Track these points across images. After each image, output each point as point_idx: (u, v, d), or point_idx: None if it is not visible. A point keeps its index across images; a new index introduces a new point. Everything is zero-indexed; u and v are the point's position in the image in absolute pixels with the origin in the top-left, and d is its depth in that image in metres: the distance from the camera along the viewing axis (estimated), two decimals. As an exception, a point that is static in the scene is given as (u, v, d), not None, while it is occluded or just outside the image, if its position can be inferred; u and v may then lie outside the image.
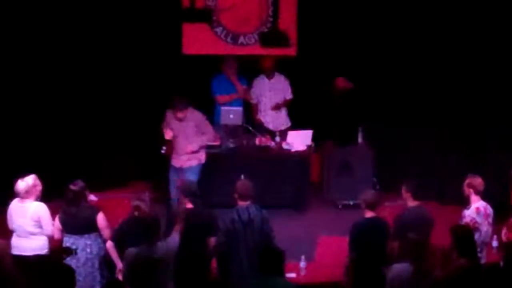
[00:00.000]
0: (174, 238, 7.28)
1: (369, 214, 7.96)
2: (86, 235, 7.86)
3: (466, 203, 8.21)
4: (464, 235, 7.23)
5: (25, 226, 7.99)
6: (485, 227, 8.12)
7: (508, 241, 8.17)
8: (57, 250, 7.43)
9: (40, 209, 8.00)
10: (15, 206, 8.07)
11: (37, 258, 8.00)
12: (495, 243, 8.83)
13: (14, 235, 8.11)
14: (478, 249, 7.99)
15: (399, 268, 6.96)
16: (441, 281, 6.88)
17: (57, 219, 7.99)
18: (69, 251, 7.47)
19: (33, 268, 7.88)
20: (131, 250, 7.08)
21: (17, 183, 8.03)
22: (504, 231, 8.40)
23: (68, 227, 7.91)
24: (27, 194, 7.99)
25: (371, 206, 7.95)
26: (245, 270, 7.63)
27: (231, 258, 7.77)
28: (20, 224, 8.01)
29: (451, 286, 6.83)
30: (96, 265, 7.73)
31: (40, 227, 7.99)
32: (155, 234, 7.12)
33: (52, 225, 8.00)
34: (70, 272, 6.49)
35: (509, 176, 8.95)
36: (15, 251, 8.07)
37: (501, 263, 7.66)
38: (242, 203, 7.85)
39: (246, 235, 7.70)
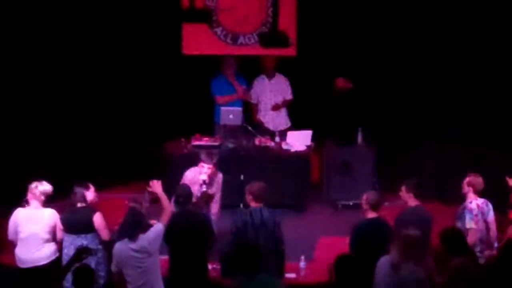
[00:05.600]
0: (157, 226, 7.32)
1: (371, 214, 7.95)
2: (83, 235, 7.85)
3: (463, 199, 8.27)
4: (454, 235, 7.26)
5: (40, 233, 7.93)
6: (480, 224, 8.14)
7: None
8: (77, 250, 7.45)
9: (55, 215, 7.98)
10: (25, 214, 7.97)
11: (51, 264, 7.96)
12: (495, 244, 8.81)
13: (21, 246, 7.98)
14: (478, 248, 8.03)
15: (384, 260, 7.01)
16: (442, 284, 6.91)
17: (59, 219, 7.99)
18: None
19: (49, 275, 7.86)
20: (117, 244, 7.28)
21: (41, 185, 7.95)
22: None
23: (68, 227, 7.92)
24: (42, 197, 7.95)
25: (374, 207, 7.94)
26: None
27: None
28: (34, 232, 7.91)
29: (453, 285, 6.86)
30: (93, 265, 7.72)
31: (53, 233, 7.96)
32: (138, 229, 7.21)
33: (60, 229, 7.99)
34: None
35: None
36: (25, 265, 7.97)
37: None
38: (255, 205, 7.81)
39: (257, 238, 7.64)
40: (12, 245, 8.12)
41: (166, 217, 7.50)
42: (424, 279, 6.93)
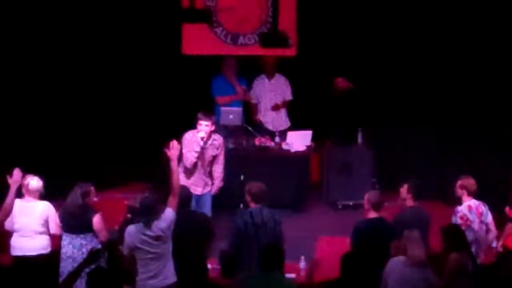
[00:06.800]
0: (168, 213, 7.32)
1: (372, 214, 7.94)
2: (82, 235, 7.87)
3: (459, 203, 8.28)
4: (454, 231, 7.29)
5: (32, 225, 7.98)
6: (477, 225, 8.15)
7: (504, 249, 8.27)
8: (90, 253, 7.46)
9: (48, 208, 8.03)
10: (19, 205, 8.00)
11: (41, 257, 8.01)
12: (494, 244, 8.83)
13: (16, 235, 8.07)
14: (473, 249, 8.04)
15: (394, 261, 7.01)
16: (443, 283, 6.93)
17: (56, 216, 8.01)
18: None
19: (37, 267, 7.93)
20: (131, 227, 7.27)
21: (32, 180, 8.00)
22: (500, 242, 8.48)
23: (66, 226, 7.93)
24: (35, 193, 8.01)
25: (376, 207, 7.93)
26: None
27: (241, 260, 7.73)
28: (26, 223, 7.99)
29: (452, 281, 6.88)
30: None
31: (46, 226, 8.01)
32: (152, 214, 7.23)
33: (57, 224, 8.01)
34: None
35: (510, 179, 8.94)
36: (17, 252, 8.06)
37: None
38: (255, 205, 7.83)
39: (259, 238, 7.65)
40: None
41: (174, 200, 7.40)
42: (432, 279, 6.96)
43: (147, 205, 7.29)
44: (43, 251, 8.04)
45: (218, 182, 9.42)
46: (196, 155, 9.10)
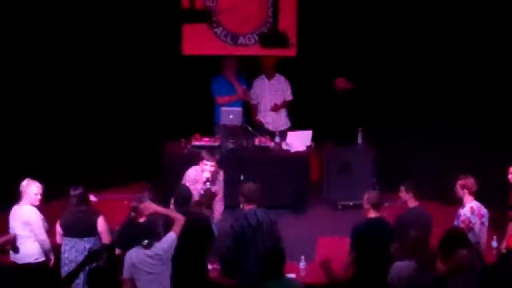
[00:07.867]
0: (170, 236, 7.31)
1: (372, 214, 7.94)
2: (86, 239, 7.83)
3: (460, 203, 8.24)
4: (460, 233, 7.28)
5: (16, 229, 7.96)
6: (478, 227, 8.14)
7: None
8: (89, 254, 7.44)
9: (30, 212, 7.94)
10: (13, 210, 8.03)
11: (26, 267, 7.96)
12: (495, 244, 8.83)
13: None
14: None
15: (400, 266, 6.99)
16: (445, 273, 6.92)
17: (58, 223, 7.95)
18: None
19: (24, 277, 7.91)
20: (132, 251, 7.20)
21: (23, 182, 7.99)
22: (504, 244, 8.48)
23: (69, 230, 7.87)
24: (24, 194, 7.96)
25: (375, 206, 7.93)
26: (255, 275, 7.52)
27: (240, 263, 7.72)
28: (12, 228, 7.98)
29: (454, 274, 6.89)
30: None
31: (30, 231, 7.93)
32: (152, 237, 7.20)
33: (42, 229, 7.94)
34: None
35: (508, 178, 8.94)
36: (11, 258, 8.07)
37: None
38: (248, 207, 7.81)
39: (256, 240, 7.64)
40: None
41: (178, 226, 7.38)
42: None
43: (150, 228, 7.28)
44: (28, 260, 7.97)
45: (218, 216, 9.15)
46: (198, 194, 8.87)
